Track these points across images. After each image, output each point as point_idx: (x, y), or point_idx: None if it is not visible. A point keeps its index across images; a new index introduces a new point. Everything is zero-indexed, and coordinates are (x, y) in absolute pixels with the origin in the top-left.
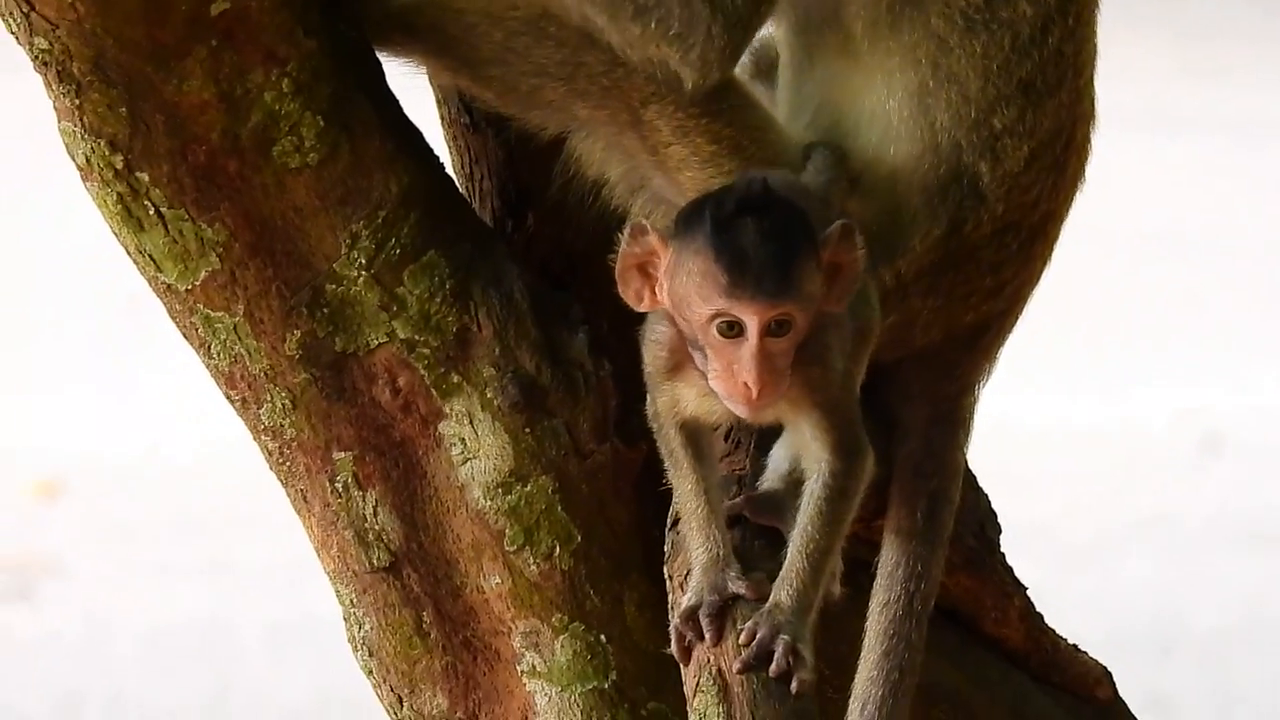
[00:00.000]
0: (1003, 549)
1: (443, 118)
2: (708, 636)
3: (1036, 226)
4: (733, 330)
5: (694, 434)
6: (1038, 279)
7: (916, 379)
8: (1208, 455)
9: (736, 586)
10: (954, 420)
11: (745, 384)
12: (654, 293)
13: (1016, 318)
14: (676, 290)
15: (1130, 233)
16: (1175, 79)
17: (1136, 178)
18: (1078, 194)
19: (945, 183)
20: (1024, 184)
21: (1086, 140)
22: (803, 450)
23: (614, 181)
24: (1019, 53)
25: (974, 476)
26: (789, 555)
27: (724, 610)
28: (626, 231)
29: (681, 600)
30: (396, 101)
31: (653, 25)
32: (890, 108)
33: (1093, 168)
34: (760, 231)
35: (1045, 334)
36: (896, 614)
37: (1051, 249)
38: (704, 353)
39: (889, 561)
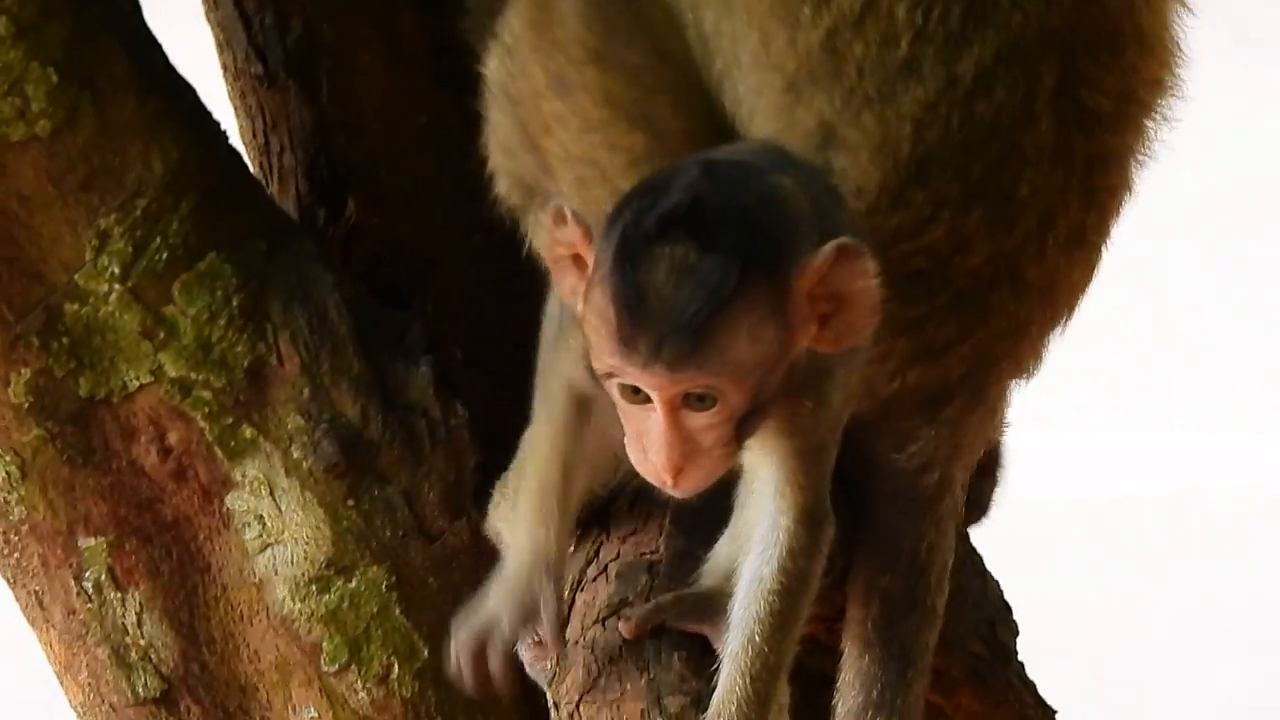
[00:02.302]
0: (1021, 657)
1: (225, 67)
2: (466, 678)
3: (984, 272)
4: (638, 395)
5: (588, 401)
6: (1024, 329)
7: (865, 444)
8: None
9: (546, 607)
10: (915, 501)
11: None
12: None
13: (1007, 379)
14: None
15: None
16: None
17: None
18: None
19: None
20: (907, 225)
21: (1050, 135)
22: (756, 511)
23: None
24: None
25: (980, 560)
26: (725, 677)
27: (499, 643)
28: (548, 211)
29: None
30: (160, 46)
31: None
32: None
33: None
34: (677, 266)
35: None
36: None
37: (1042, 286)
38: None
39: (845, 681)
